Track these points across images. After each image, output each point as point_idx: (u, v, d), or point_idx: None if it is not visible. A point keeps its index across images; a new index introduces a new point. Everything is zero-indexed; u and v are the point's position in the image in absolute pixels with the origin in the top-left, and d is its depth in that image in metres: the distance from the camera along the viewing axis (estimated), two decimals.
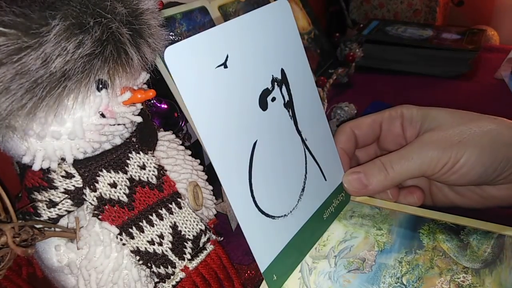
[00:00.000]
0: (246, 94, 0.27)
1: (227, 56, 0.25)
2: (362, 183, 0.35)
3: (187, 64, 0.23)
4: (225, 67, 0.25)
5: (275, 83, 0.29)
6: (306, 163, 0.33)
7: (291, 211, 0.31)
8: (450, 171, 0.33)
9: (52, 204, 0.28)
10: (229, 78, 0.26)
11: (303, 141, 0.32)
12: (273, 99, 0.29)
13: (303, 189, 0.32)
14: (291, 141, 0.31)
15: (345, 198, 0.38)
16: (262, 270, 0.28)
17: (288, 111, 0.31)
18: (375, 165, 0.35)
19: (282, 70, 0.30)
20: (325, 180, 0.35)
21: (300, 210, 0.32)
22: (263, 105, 0.28)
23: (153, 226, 0.30)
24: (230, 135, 0.26)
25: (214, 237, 0.33)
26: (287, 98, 0.31)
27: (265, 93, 0.29)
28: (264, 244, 0.29)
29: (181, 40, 0.23)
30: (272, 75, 0.29)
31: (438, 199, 0.38)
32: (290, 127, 0.31)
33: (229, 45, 0.26)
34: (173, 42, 0.24)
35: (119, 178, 0.29)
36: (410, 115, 0.37)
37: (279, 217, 0.30)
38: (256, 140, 0.28)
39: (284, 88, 0.30)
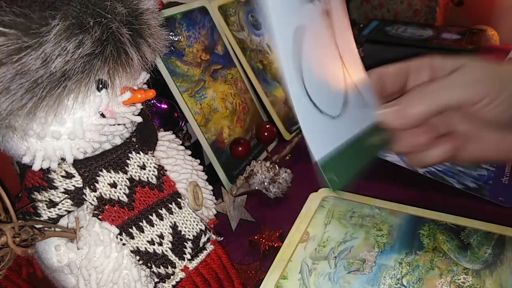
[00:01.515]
0: None
1: None
2: (401, 113, 0.33)
3: None
4: None
5: None
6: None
7: (338, 116, 0.30)
8: (491, 105, 0.31)
9: (52, 204, 0.27)
10: None
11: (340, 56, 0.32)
12: None
13: (345, 103, 0.31)
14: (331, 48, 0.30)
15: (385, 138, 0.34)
16: (317, 159, 0.27)
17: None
18: (414, 94, 0.33)
19: None
20: (365, 106, 0.33)
21: (346, 120, 0.31)
22: None
23: (153, 226, 0.30)
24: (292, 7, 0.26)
25: (214, 237, 0.33)
26: None
27: None
28: (318, 136, 0.28)
29: (180, 40, 0.23)
30: None
31: (465, 153, 0.35)
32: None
33: None
34: (173, 42, 0.23)
35: (119, 178, 0.29)
36: (441, 63, 0.35)
37: (329, 115, 0.29)
38: (305, 26, 0.27)
39: None
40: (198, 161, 0.37)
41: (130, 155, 0.30)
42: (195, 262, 0.31)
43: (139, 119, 0.29)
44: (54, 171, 0.27)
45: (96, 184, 0.28)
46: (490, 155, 0.35)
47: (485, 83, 0.32)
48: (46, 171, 0.27)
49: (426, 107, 0.32)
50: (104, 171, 0.28)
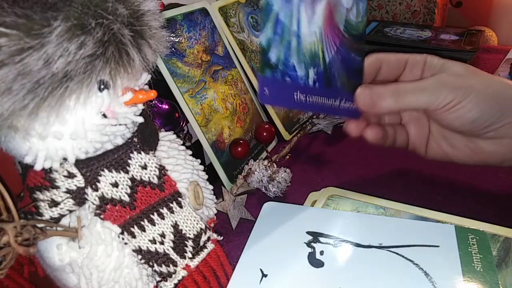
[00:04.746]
0: None
1: None
2: (372, 101, 0.36)
3: None
4: None
5: None
6: None
7: None
8: (451, 110, 0.34)
9: (54, 203, 0.28)
10: None
11: None
12: None
13: None
14: None
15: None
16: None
17: None
18: (388, 89, 0.36)
19: None
20: None
21: None
22: None
23: (154, 225, 0.30)
24: None
25: (214, 236, 0.33)
26: None
27: None
28: None
29: (181, 41, 0.23)
30: None
31: (432, 149, 0.40)
32: None
33: None
34: (173, 43, 0.24)
35: (120, 177, 0.29)
36: (431, 62, 0.38)
37: None
38: None
39: None
40: (199, 161, 0.37)
41: (131, 155, 0.30)
42: (196, 261, 0.31)
43: (140, 119, 0.29)
44: (56, 171, 0.27)
45: (98, 184, 0.28)
46: (459, 155, 0.38)
47: (452, 92, 0.34)
48: (48, 171, 0.27)
49: (392, 104, 0.35)
50: (106, 170, 0.29)
